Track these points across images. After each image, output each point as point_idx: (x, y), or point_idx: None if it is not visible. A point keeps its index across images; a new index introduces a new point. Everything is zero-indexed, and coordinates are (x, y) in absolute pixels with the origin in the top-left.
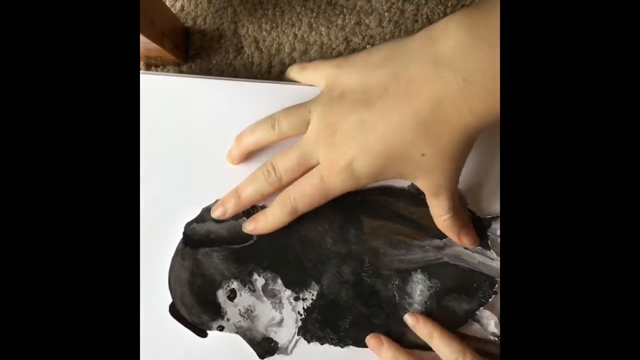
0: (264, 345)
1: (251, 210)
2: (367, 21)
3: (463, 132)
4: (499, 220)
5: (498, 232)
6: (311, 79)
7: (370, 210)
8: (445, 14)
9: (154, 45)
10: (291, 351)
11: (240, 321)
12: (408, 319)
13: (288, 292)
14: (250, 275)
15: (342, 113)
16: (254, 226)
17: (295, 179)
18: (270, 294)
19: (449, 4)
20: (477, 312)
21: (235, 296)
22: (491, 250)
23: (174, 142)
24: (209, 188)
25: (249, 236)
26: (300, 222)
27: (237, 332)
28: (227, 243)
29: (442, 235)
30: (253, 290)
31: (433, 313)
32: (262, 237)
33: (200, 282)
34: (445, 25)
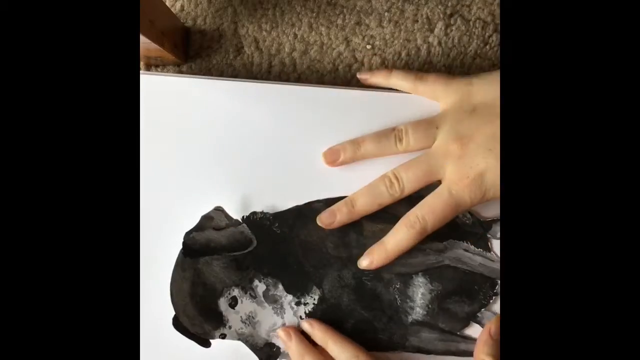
0: (267, 351)
1: (251, 216)
2: (367, 21)
3: None
4: (499, 222)
5: (498, 235)
6: (433, 91)
7: (370, 214)
8: (445, 14)
9: (154, 45)
10: None
11: (242, 328)
12: (304, 324)
13: (289, 297)
14: (251, 281)
15: (475, 126)
16: (369, 261)
17: (414, 191)
18: (272, 300)
19: (449, 4)
20: (479, 314)
21: (236, 303)
22: (492, 252)
23: (174, 142)
24: (210, 190)
25: (249, 243)
26: (301, 227)
27: (239, 339)
28: (227, 250)
29: (442, 238)
30: (254, 297)
31: (435, 316)
32: (262, 244)
33: (201, 291)
34: None
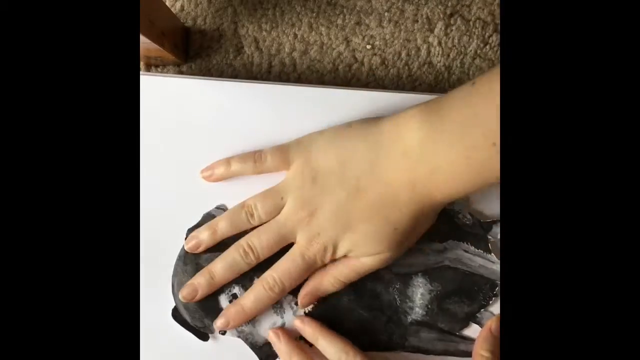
0: (266, 350)
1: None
2: (367, 21)
3: (432, 208)
4: (499, 224)
5: (498, 236)
6: (275, 166)
7: None
8: (445, 14)
9: (154, 45)
10: None
11: (242, 325)
12: (295, 322)
13: (289, 296)
14: (252, 280)
15: (319, 195)
16: (225, 322)
17: (270, 255)
18: None
19: (449, 4)
20: (478, 314)
21: None
22: (491, 254)
23: (174, 143)
24: (210, 190)
25: None
26: None
27: (239, 336)
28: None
29: (442, 239)
30: None
31: (434, 316)
32: None
33: None
34: (409, 121)
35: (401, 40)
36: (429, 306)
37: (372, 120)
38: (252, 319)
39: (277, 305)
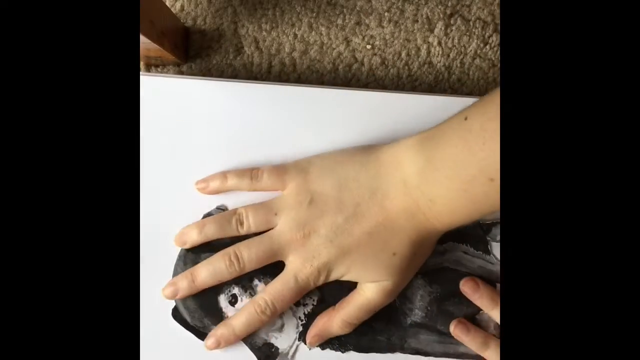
0: (265, 351)
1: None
2: (367, 21)
3: (430, 235)
4: (499, 225)
5: (498, 238)
6: (271, 186)
7: None
8: (445, 14)
9: (154, 45)
10: (292, 356)
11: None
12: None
13: None
14: (251, 280)
15: (315, 217)
16: (215, 342)
17: (255, 269)
18: None
19: (449, 4)
20: (477, 316)
21: (236, 301)
22: (491, 255)
23: (174, 143)
24: None
25: None
26: None
27: None
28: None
29: (442, 241)
30: (254, 296)
31: (433, 318)
32: None
33: None
34: (407, 152)
35: (401, 40)
36: (429, 308)
37: (371, 148)
38: None
39: None
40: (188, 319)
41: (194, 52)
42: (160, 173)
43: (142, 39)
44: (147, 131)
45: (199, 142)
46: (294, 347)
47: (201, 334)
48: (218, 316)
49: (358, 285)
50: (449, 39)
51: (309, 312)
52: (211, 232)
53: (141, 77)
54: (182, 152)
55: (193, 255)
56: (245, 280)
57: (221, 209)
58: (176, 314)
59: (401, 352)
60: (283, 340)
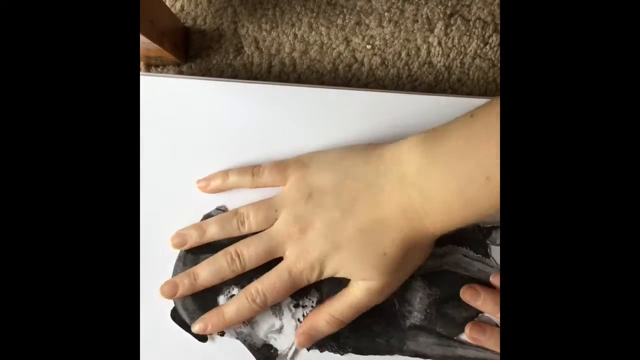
0: (264, 352)
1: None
2: (367, 21)
3: (423, 237)
4: (498, 229)
5: (497, 241)
6: (272, 181)
7: None
8: (445, 14)
9: (154, 45)
10: (291, 358)
11: (240, 327)
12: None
13: (288, 299)
14: (251, 281)
15: (312, 213)
16: (204, 326)
17: (256, 266)
18: None
19: (449, 4)
20: (476, 319)
21: None
22: (490, 258)
23: (174, 143)
24: None
25: None
26: None
27: (237, 338)
28: None
29: (442, 244)
30: None
31: (432, 320)
32: None
33: None
34: (409, 149)
35: (401, 40)
36: (428, 310)
37: (375, 145)
38: (251, 321)
39: (276, 307)
40: (187, 320)
41: (194, 52)
42: (160, 173)
43: (142, 39)
44: (147, 131)
45: (199, 142)
46: (293, 348)
47: (200, 336)
48: None
49: (349, 283)
50: (449, 39)
51: (308, 314)
52: (212, 233)
53: (141, 77)
54: (182, 152)
55: (193, 256)
56: (245, 281)
57: (221, 209)
58: (175, 315)
59: (400, 355)
60: (282, 341)
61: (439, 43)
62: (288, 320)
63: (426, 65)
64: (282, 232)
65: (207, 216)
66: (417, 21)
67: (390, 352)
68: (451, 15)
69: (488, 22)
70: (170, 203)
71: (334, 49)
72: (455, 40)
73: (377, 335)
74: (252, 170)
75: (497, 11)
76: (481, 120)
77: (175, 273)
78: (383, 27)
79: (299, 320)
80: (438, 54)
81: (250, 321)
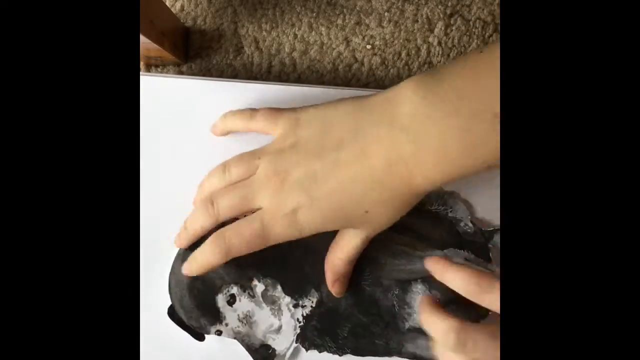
0: (262, 352)
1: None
2: (367, 21)
3: (411, 193)
4: (499, 232)
5: (499, 245)
6: (263, 127)
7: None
8: (445, 14)
9: (154, 45)
10: (289, 358)
11: (238, 326)
12: (427, 263)
13: (287, 299)
14: (250, 280)
15: (293, 162)
16: (187, 268)
17: (231, 217)
18: (270, 301)
19: (449, 4)
20: (482, 321)
21: (234, 301)
22: (492, 262)
23: (174, 143)
24: None
25: None
26: None
27: (235, 338)
28: None
29: (443, 247)
30: (252, 296)
31: None
32: None
33: (200, 286)
34: (403, 90)
35: (401, 40)
36: None
37: (371, 93)
38: (250, 322)
39: (275, 307)
40: (184, 318)
41: (194, 52)
42: (160, 173)
43: (142, 39)
44: (147, 131)
45: (199, 142)
46: (292, 349)
47: (197, 335)
48: (215, 316)
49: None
50: (449, 39)
51: (307, 314)
52: (206, 187)
53: (141, 77)
54: (182, 152)
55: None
56: (245, 280)
57: None
58: (172, 313)
59: (398, 357)
60: (280, 341)
61: (439, 43)
62: (287, 320)
63: (426, 65)
64: (259, 181)
65: None
66: (417, 21)
67: (389, 354)
68: (451, 15)
69: (488, 22)
70: (170, 203)
71: (334, 49)
72: (455, 40)
73: (376, 336)
74: (249, 112)
75: (497, 11)
76: (493, 55)
77: (173, 271)
78: (383, 27)
79: (297, 320)
80: (438, 54)
81: (249, 321)
